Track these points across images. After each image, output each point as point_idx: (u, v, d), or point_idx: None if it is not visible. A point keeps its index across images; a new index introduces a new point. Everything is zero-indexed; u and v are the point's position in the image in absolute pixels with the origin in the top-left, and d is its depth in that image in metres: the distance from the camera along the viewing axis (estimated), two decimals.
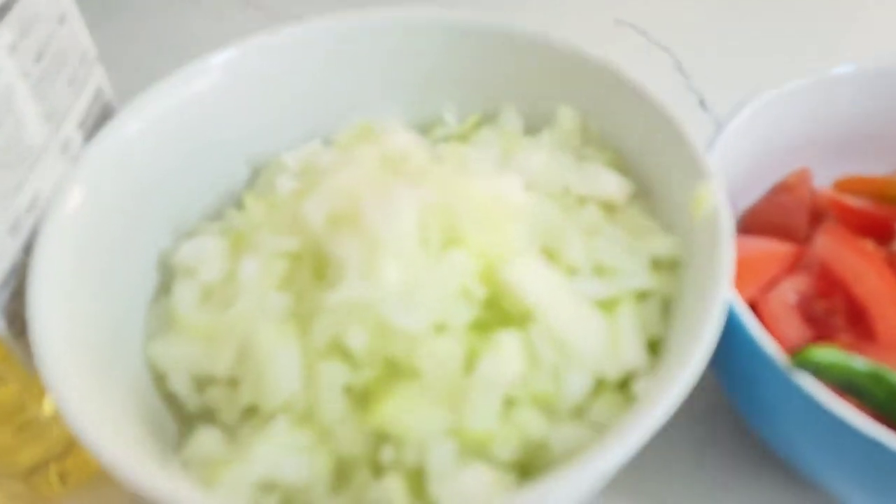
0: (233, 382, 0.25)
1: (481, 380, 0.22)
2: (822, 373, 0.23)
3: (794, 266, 0.28)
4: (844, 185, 0.30)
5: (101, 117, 0.28)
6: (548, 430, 0.22)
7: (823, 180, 0.34)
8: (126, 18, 0.52)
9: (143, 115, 0.28)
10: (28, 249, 0.24)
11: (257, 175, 0.32)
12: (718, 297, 0.22)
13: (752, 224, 0.34)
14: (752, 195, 0.34)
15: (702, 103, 0.47)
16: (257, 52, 0.31)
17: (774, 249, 0.29)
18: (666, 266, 0.26)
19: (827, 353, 0.23)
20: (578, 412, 0.23)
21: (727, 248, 0.24)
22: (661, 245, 0.26)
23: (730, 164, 0.31)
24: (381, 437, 0.22)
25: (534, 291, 0.23)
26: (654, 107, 0.28)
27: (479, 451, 0.22)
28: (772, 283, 0.28)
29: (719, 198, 0.25)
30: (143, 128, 0.28)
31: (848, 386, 0.23)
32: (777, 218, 0.33)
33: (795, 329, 0.26)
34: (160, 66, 0.31)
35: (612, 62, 0.29)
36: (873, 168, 0.34)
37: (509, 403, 0.22)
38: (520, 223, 0.24)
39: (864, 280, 0.26)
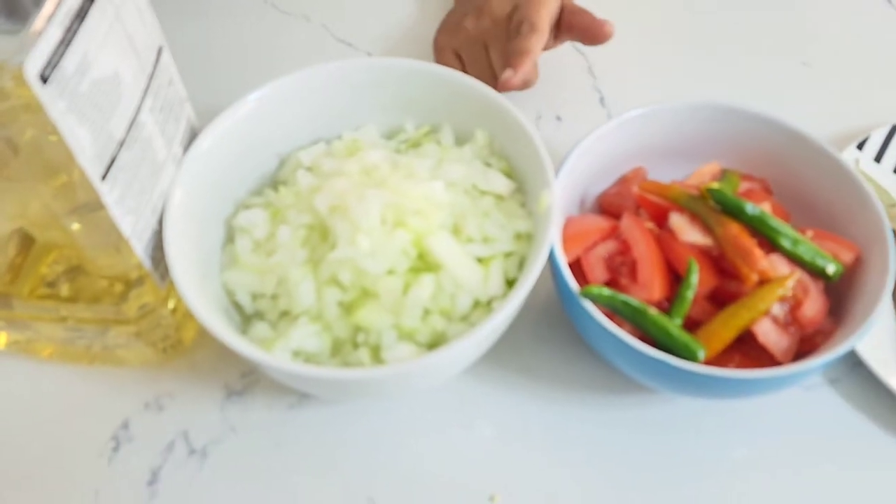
0: (275, 297, 0.44)
1: (411, 300, 0.41)
2: (598, 301, 0.42)
3: (610, 235, 0.47)
4: (645, 186, 0.48)
5: (191, 136, 0.46)
6: (447, 327, 0.41)
7: (660, 176, 0.52)
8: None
9: (212, 135, 0.46)
10: (160, 221, 0.43)
11: (283, 165, 0.51)
12: (543, 254, 0.41)
13: (604, 203, 0.52)
14: (607, 183, 0.53)
15: (601, 101, 0.64)
16: (279, 89, 0.48)
17: (598, 224, 0.47)
18: (525, 237, 0.44)
19: (597, 290, 0.42)
20: (465, 317, 0.42)
21: (553, 229, 0.42)
22: (523, 225, 0.44)
23: (586, 164, 0.49)
24: (357, 329, 0.42)
25: (442, 253, 0.41)
26: (528, 135, 0.45)
27: (409, 337, 0.41)
28: (593, 246, 0.46)
29: (553, 198, 0.43)
30: (212, 143, 0.46)
31: (617, 311, 0.43)
32: (617, 200, 0.51)
33: (600, 274, 0.45)
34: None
35: (506, 103, 0.47)
36: (686, 169, 0.52)
37: (426, 312, 0.41)
38: (440, 212, 0.43)
39: (638, 246, 0.44)
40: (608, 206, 0.51)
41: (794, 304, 0.42)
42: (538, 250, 0.42)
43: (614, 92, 0.64)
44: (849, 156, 0.56)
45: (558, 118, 0.62)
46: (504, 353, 0.47)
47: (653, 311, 0.42)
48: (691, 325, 0.43)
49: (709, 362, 0.42)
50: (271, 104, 0.48)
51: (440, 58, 0.62)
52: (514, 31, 0.57)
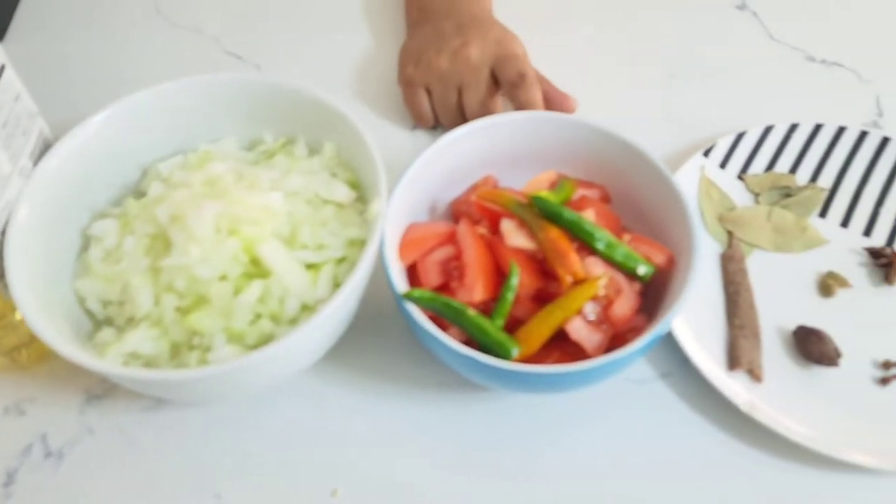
0: (121, 303, 0.46)
1: (240, 303, 0.43)
2: (420, 303, 0.45)
3: (448, 241, 0.49)
4: (482, 194, 0.51)
5: (43, 149, 0.48)
6: (274, 329, 0.44)
7: (511, 183, 0.55)
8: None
9: (64, 148, 0.48)
10: (4, 233, 0.44)
11: (144, 175, 0.53)
12: (369, 259, 0.44)
13: (455, 210, 0.55)
14: (461, 189, 0.55)
15: None
16: (138, 102, 0.50)
17: (437, 230, 0.50)
18: (358, 244, 0.47)
19: (418, 293, 0.44)
20: (293, 320, 0.45)
21: (378, 236, 0.45)
22: (357, 232, 0.47)
23: (434, 172, 0.52)
24: (193, 332, 0.44)
25: (271, 259, 0.44)
26: (367, 147, 0.48)
27: (238, 339, 0.43)
28: (430, 251, 0.49)
29: (381, 207, 0.46)
30: (66, 155, 0.48)
31: (440, 313, 0.45)
32: (465, 207, 0.54)
33: (434, 278, 0.48)
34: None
35: (352, 118, 0.49)
36: (533, 176, 0.55)
37: (256, 316, 0.44)
38: (274, 220, 0.45)
39: (467, 251, 0.47)
40: (457, 213, 0.54)
41: (607, 304, 0.45)
42: (365, 255, 0.44)
43: None
44: (695, 163, 0.60)
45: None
46: (348, 353, 0.50)
47: (471, 312, 0.44)
48: (517, 325, 0.46)
49: (530, 359, 0.44)
50: (131, 117, 0.50)
51: (410, 91, 0.63)
52: (512, 84, 0.59)
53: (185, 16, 0.73)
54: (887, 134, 0.60)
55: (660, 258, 0.47)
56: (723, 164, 0.60)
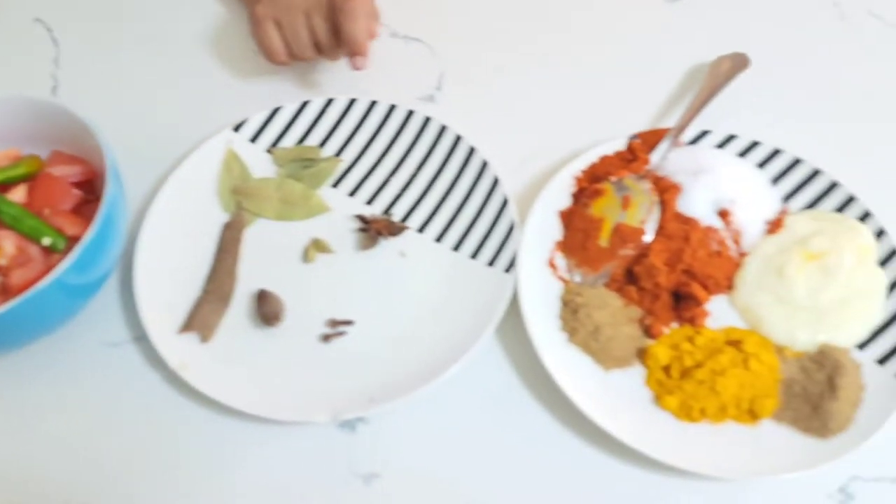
0: None
1: None
2: None
3: None
4: None
5: None
6: None
7: None
8: None
9: None
10: None
11: None
12: None
13: None
14: None
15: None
16: None
17: None
18: None
19: None
20: None
21: None
22: None
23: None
24: None
25: None
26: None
27: None
28: None
29: None
30: None
31: None
32: None
33: None
34: None
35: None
36: None
37: None
38: None
39: None
40: None
41: (6, 271, 0.49)
42: None
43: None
44: (222, 137, 0.63)
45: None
46: None
47: None
48: None
49: None
50: None
51: (259, 27, 0.62)
52: (337, 8, 0.59)
53: None
54: (432, 115, 0.63)
55: (74, 230, 0.51)
56: (254, 139, 0.64)
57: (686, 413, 0.49)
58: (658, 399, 0.50)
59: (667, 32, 0.71)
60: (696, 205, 0.56)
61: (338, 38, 0.62)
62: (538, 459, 0.50)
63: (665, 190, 0.57)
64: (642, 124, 0.64)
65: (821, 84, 0.67)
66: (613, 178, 0.58)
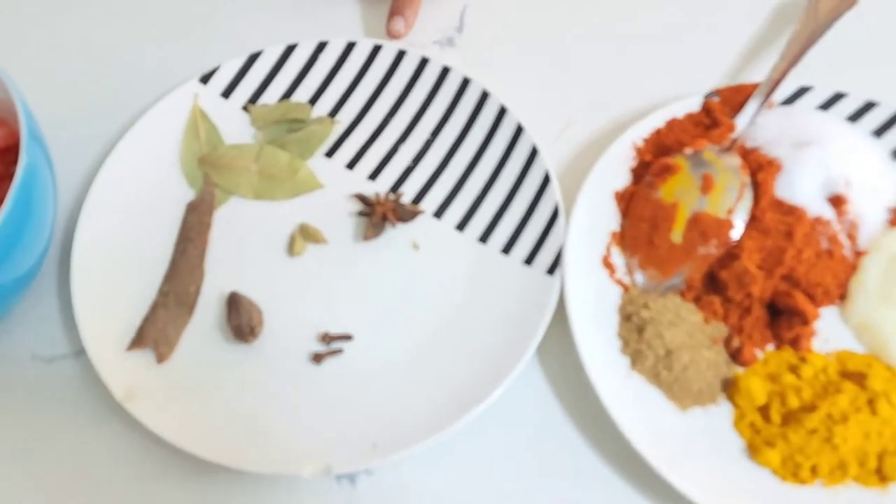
0: None
1: None
2: None
3: None
4: None
5: None
6: None
7: None
8: None
9: None
10: None
11: None
12: None
13: None
14: None
15: None
16: None
17: None
18: None
19: None
20: None
21: None
22: None
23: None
24: None
25: None
26: None
27: None
28: None
29: None
30: None
31: None
32: None
33: None
34: None
35: None
36: None
37: None
38: None
39: None
40: None
41: None
42: None
43: None
44: (187, 90, 0.50)
45: None
46: None
47: None
48: None
49: None
50: None
51: None
52: None
53: None
54: (451, 64, 0.49)
55: None
56: (227, 93, 0.50)
57: (792, 472, 0.37)
58: (752, 450, 0.38)
59: None
60: (802, 188, 0.42)
61: None
62: None
63: (759, 168, 0.43)
64: (722, 78, 0.50)
65: None
66: (688, 151, 0.45)
